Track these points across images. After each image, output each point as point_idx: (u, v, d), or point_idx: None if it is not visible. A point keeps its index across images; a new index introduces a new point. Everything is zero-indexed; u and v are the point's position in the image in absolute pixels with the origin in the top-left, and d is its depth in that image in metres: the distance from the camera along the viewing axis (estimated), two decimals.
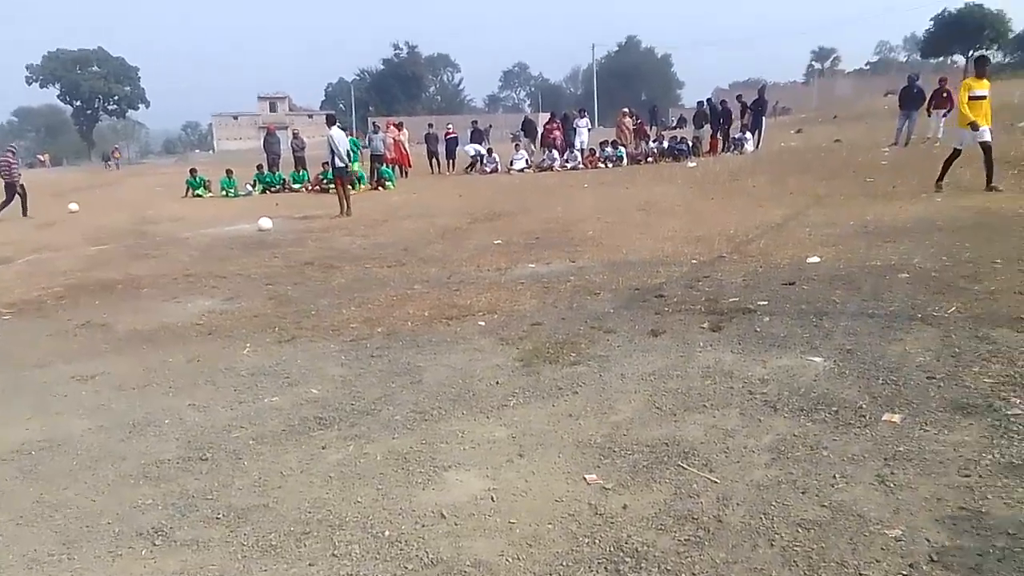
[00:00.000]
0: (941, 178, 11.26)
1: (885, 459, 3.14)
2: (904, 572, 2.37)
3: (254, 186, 21.74)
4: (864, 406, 3.70)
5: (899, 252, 7.14)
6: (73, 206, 18.88)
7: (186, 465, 3.62)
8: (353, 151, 17.90)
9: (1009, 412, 3.45)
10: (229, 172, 21.65)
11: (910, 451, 3.18)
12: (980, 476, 2.91)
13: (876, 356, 4.37)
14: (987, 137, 10.72)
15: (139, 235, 13.60)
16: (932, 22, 51.76)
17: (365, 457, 3.58)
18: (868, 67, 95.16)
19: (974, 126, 10.67)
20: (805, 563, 2.48)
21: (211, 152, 77.60)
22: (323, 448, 3.72)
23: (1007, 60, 52.43)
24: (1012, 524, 2.56)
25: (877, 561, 2.45)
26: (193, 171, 22.66)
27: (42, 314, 7.31)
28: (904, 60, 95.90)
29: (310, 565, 2.68)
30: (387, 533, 2.86)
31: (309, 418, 4.12)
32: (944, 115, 18.88)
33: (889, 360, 4.29)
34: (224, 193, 21.19)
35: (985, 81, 11.05)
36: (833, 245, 7.80)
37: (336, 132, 14.95)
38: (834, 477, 3.03)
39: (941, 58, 58.85)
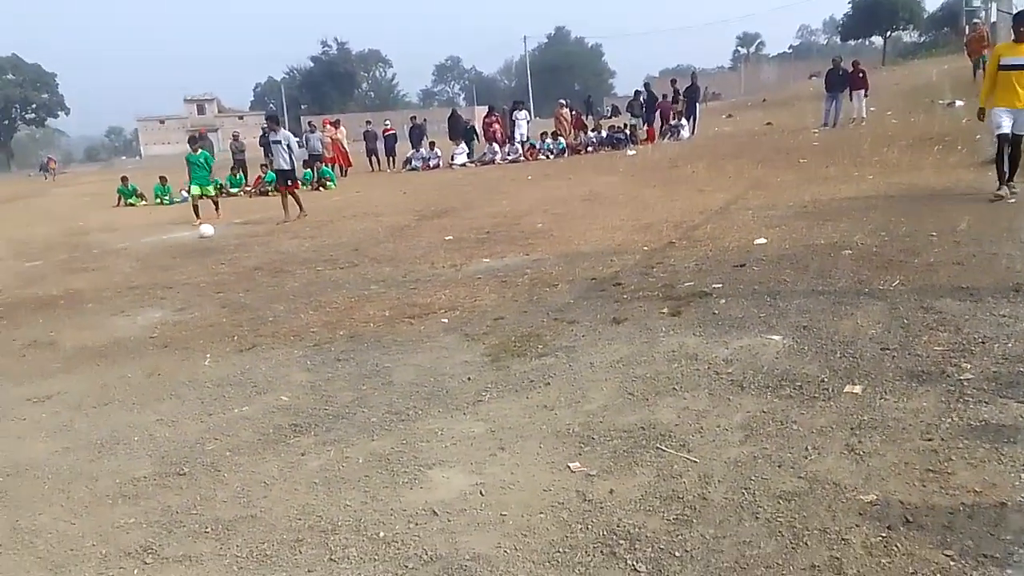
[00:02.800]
0: (1001, 179, 8.22)
1: (852, 429, 3.30)
2: (883, 535, 2.52)
3: (190, 192, 21.18)
4: (826, 380, 3.87)
5: (840, 231, 7.44)
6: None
7: (163, 481, 3.56)
8: (206, 165, 15.48)
9: (962, 378, 3.66)
10: (163, 179, 21.05)
11: (874, 420, 3.36)
12: (942, 439, 3.09)
13: (831, 331, 4.57)
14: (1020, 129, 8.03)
15: (72, 248, 13.11)
16: (850, 5, 53.40)
17: (346, 461, 3.58)
18: (791, 51, 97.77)
19: (980, 113, 8.67)
20: (790, 532, 2.60)
21: (138, 158, 75.14)
22: (302, 455, 3.70)
23: (922, 40, 54.48)
24: (976, 482, 2.74)
25: (857, 526, 2.59)
26: (124, 179, 21.92)
27: None
28: (824, 43, 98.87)
29: (308, 572, 2.69)
30: (381, 534, 2.88)
31: (283, 426, 4.09)
32: (864, 95, 19.72)
33: (843, 334, 4.49)
34: (159, 201, 20.61)
35: None
36: (776, 227, 8.06)
37: (288, 133, 14.65)
38: (806, 449, 3.18)
39: (860, 40, 60.77)
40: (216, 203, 15.77)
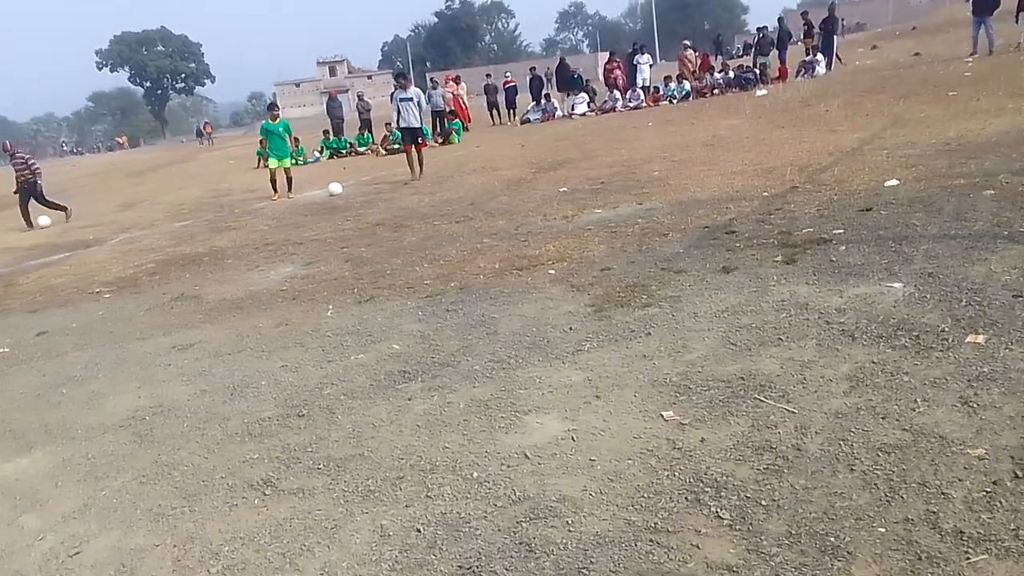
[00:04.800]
0: None
1: (968, 381, 3.10)
2: (988, 489, 2.38)
3: (321, 152, 22.21)
4: (946, 329, 3.64)
5: (983, 169, 6.83)
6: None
7: (285, 422, 3.86)
8: (284, 135, 14.14)
9: None
10: (296, 140, 22.07)
11: (995, 371, 3.14)
12: None
13: (959, 278, 4.26)
14: None
15: (217, 208, 14.14)
16: None
17: (449, 406, 3.74)
18: None
19: None
20: (886, 485, 2.51)
21: None
22: (409, 400, 3.90)
23: None
24: None
25: (960, 480, 2.46)
26: (263, 142, 23.21)
27: (138, 290, 7.77)
28: None
29: (406, 507, 2.87)
30: (475, 474, 3.02)
31: (394, 372, 4.32)
32: None
33: (973, 281, 4.18)
34: (294, 161, 21.71)
35: None
36: (913, 166, 7.51)
37: (418, 91, 14.32)
38: (915, 401, 3.02)
39: None
40: (290, 179, 14.10)
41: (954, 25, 27.60)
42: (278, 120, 14.15)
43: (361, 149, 21.86)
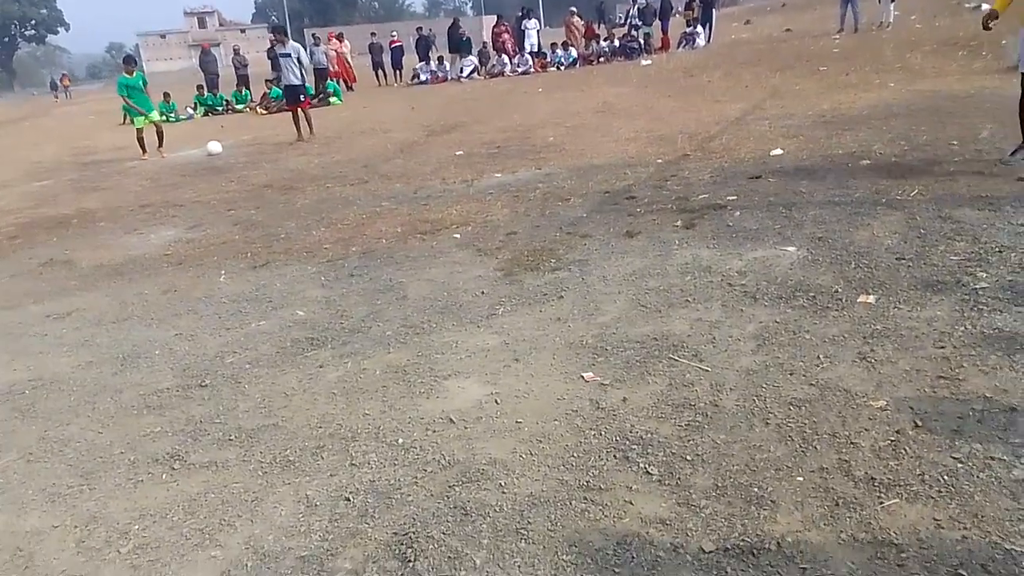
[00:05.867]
0: None
1: (864, 338, 3.32)
2: (892, 438, 2.56)
3: (195, 109, 20.93)
4: (839, 290, 3.87)
5: (859, 140, 7.29)
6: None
7: (186, 393, 3.64)
8: (143, 88, 13.07)
9: (977, 287, 3.64)
10: (167, 95, 20.68)
11: (887, 329, 3.37)
12: (954, 347, 3.11)
13: (846, 242, 4.53)
14: None
15: (81, 167, 13.09)
16: None
17: (364, 372, 3.64)
18: None
19: (989, 18, 5.61)
20: (800, 437, 2.65)
21: None
22: (321, 367, 3.77)
23: None
24: (988, 388, 2.76)
25: (866, 430, 2.63)
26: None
27: None
28: None
29: (331, 476, 2.78)
30: (400, 441, 2.96)
31: (300, 339, 4.16)
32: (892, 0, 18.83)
33: (859, 245, 4.46)
34: (164, 118, 20.33)
35: None
36: (794, 137, 7.90)
37: (297, 46, 13.58)
38: (818, 358, 3.20)
39: None
40: (160, 135, 13.14)
41: (822, 3, 28.99)
42: (135, 74, 13.09)
43: (239, 107, 20.77)
